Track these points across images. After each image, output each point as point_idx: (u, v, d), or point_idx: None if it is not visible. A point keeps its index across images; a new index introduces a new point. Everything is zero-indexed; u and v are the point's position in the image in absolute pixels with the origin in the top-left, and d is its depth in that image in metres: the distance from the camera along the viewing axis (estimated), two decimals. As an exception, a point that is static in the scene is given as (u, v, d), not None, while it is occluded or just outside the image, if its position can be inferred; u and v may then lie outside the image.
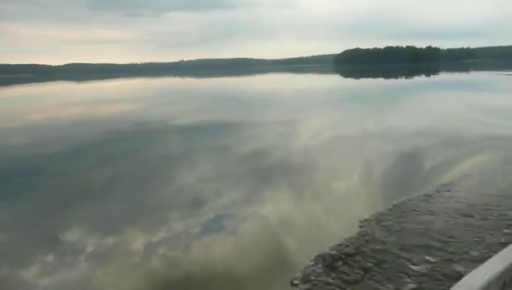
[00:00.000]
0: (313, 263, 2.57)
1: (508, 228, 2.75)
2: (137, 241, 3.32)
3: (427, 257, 2.52)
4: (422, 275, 2.32)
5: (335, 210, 3.76)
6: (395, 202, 3.51)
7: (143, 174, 5.31)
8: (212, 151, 6.46)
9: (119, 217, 3.91)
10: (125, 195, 4.55)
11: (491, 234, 2.77)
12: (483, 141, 5.93)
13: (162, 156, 6.30)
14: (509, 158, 4.84)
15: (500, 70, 36.31)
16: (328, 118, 9.99)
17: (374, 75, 42.60)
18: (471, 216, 3.02)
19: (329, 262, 2.54)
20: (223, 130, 8.53)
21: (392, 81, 31.21)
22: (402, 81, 31.01)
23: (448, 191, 3.68)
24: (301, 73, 58.89)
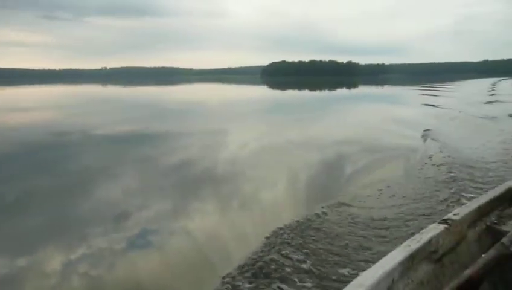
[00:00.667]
0: (238, 272, 2.50)
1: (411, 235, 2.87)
2: (55, 260, 3.03)
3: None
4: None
5: (253, 221, 3.74)
6: (313, 212, 3.56)
7: (61, 188, 4.91)
8: (137, 163, 6.17)
9: (34, 235, 3.55)
10: (42, 210, 4.14)
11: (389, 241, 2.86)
12: (394, 149, 6.32)
13: (82, 168, 5.87)
14: (414, 164, 5.15)
15: (411, 86, 39.55)
16: (255, 128, 10.08)
17: (300, 87, 44.19)
18: (381, 228, 3.12)
19: (249, 273, 2.49)
20: (148, 140, 8.22)
21: (316, 93, 32.64)
22: (325, 93, 32.57)
23: (360, 200, 3.80)
24: (229, 83, 59.25)
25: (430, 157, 5.37)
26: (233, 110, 15.70)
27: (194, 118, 12.65)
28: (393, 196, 3.93)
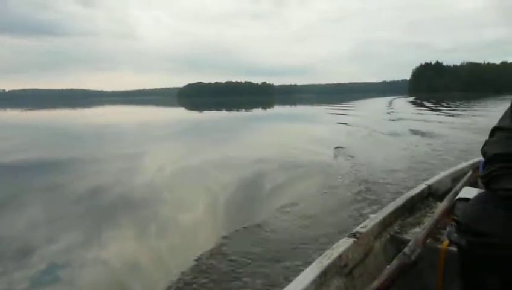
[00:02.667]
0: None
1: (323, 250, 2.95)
2: None
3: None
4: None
5: (172, 246, 3.62)
6: (230, 232, 3.54)
7: None
8: (43, 192, 5.66)
9: None
10: None
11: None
12: (309, 166, 6.56)
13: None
14: (328, 180, 5.37)
15: (322, 104, 41.92)
16: (173, 150, 9.86)
17: (217, 107, 44.50)
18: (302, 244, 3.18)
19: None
20: (56, 168, 7.61)
21: (233, 113, 33.04)
22: (242, 113, 33.11)
23: (273, 221, 3.84)
24: (144, 105, 57.70)
25: (341, 173, 5.66)
26: (149, 133, 15.23)
27: (106, 142, 12.02)
28: (305, 214, 4.01)
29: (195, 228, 4.08)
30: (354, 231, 1.83)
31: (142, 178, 6.48)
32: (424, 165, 6.15)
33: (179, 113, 34.77)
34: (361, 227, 1.87)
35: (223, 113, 32.92)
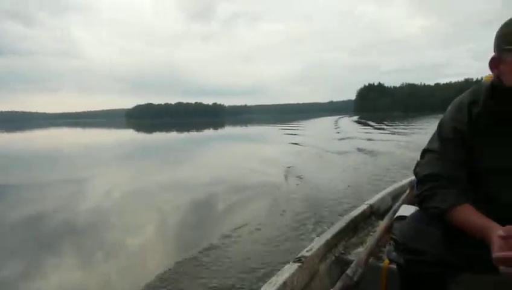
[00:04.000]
0: None
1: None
2: None
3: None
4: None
5: (117, 274, 3.47)
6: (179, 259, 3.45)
7: None
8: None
9: None
10: None
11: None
12: (259, 187, 6.57)
13: None
14: (278, 202, 5.39)
15: (272, 125, 42.60)
16: (120, 173, 9.54)
17: (167, 129, 43.83)
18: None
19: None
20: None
21: (184, 134, 32.66)
22: (193, 134, 32.80)
23: (221, 246, 3.78)
24: (90, 127, 55.69)
25: (291, 194, 5.72)
26: (95, 156, 14.65)
27: (47, 167, 11.40)
28: (253, 238, 3.98)
29: (142, 254, 3.94)
30: (299, 255, 1.84)
31: (88, 203, 6.19)
32: (369, 183, 6.34)
33: (128, 135, 33.84)
34: (307, 251, 1.89)
35: (174, 135, 32.48)
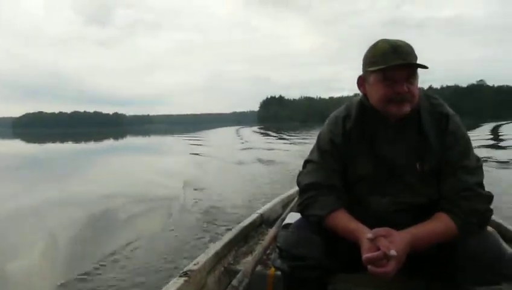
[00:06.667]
0: None
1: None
2: None
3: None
4: None
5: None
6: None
7: None
8: None
9: None
10: None
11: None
12: (157, 200, 6.37)
13: None
14: (174, 215, 5.28)
15: (175, 135, 41.93)
16: (4, 189, 8.52)
17: (62, 139, 40.60)
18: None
19: None
20: None
21: (81, 145, 30.50)
22: (91, 145, 30.83)
23: (115, 259, 3.58)
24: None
25: (188, 207, 5.63)
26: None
27: None
28: (145, 254, 3.76)
29: (21, 278, 3.53)
30: (186, 269, 1.80)
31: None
32: (265, 192, 6.51)
33: (15, 147, 30.48)
34: (194, 264, 1.86)
35: (69, 146, 30.11)
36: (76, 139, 39.64)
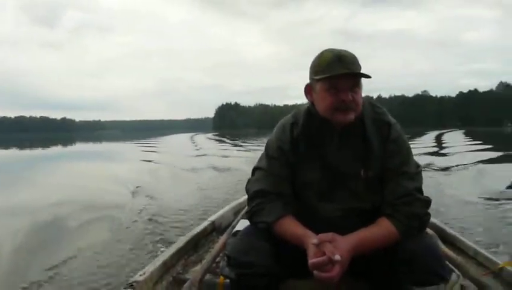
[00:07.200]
0: None
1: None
2: None
3: None
4: None
5: None
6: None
7: None
8: None
9: None
10: None
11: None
12: (105, 209, 6.14)
13: None
14: (123, 223, 5.11)
15: (126, 141, 40.86)
16: None
17: (4, 145, 38.39)
18: None
19: None
20: None
21: (26, 152, 28.92)
22: (37, 151, 29.30)
23: (57, 272, 3.36)
24: None
25: (137, 215, 5.45)
26: None
27: None
28: (90, 266, 3.53)
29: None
30: (131, 280, 1.74)
31: None
32: (219, 199, 6.47)
33: None
34: (140, 275, 1.80)
35: (13, 152, 28.47)
36: (21, 145, 37.59)
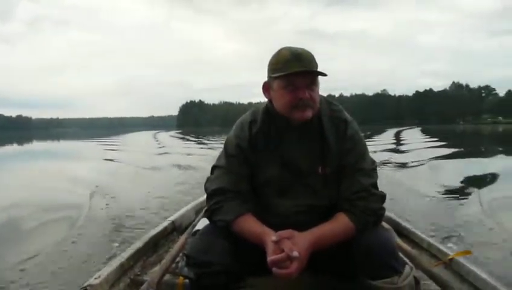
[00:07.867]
0: None
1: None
2: None
3: None
4: None
5: None
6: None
7: None
8: None
9: None
10: None
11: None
12: (62, 210, 5.93)
13: None
14: (80, 225, 4.92)
15: (86, 140, 39.61)
16: None
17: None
18: None
19: None
20: None
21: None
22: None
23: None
24: None
25: (95, 216, 5.28)
26: None
27: None
28: (43, 271, 3.27)
29: None
30: (85, 284, 1.68)
31: None
32: (180, 198, 6.37)
33: None
34: (95, 278, 1.75)
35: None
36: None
